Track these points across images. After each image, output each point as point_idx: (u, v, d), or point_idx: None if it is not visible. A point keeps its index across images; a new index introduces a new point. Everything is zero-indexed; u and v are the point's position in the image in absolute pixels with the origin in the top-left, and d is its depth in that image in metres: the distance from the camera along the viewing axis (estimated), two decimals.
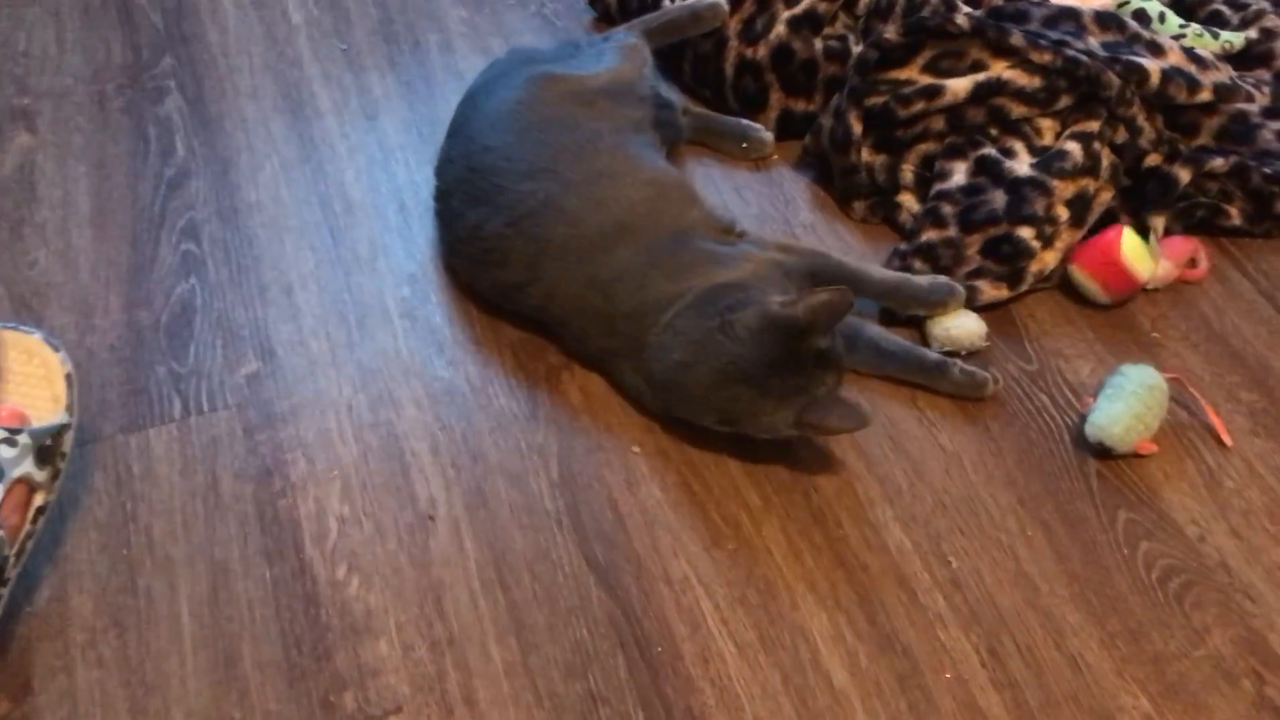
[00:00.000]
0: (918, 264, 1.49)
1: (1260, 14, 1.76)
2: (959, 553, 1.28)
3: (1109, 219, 1.57)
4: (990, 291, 1.49)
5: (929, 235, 1.50)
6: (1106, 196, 1.56)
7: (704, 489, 1.32)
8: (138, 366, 1.41)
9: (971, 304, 1.49)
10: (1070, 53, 1.52)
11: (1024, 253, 1.48)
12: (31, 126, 1.69)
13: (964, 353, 1.43)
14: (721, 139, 1.69)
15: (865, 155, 1.61)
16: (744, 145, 1.68)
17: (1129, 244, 1.47)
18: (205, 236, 1.56)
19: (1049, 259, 1.50)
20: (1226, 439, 1.38)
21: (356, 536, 1.27)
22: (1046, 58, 1.52)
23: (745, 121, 1.69)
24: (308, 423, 1.36)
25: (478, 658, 1.18)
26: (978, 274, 1.49)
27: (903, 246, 1.53)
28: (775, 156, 1.69)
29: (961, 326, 1.43)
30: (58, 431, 1.19)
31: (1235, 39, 1.73)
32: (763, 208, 1.63)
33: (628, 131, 1.48)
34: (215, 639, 1.18)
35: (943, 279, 1.45)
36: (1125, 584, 1.25)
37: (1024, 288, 1.51)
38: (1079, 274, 1.50)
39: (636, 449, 1.35)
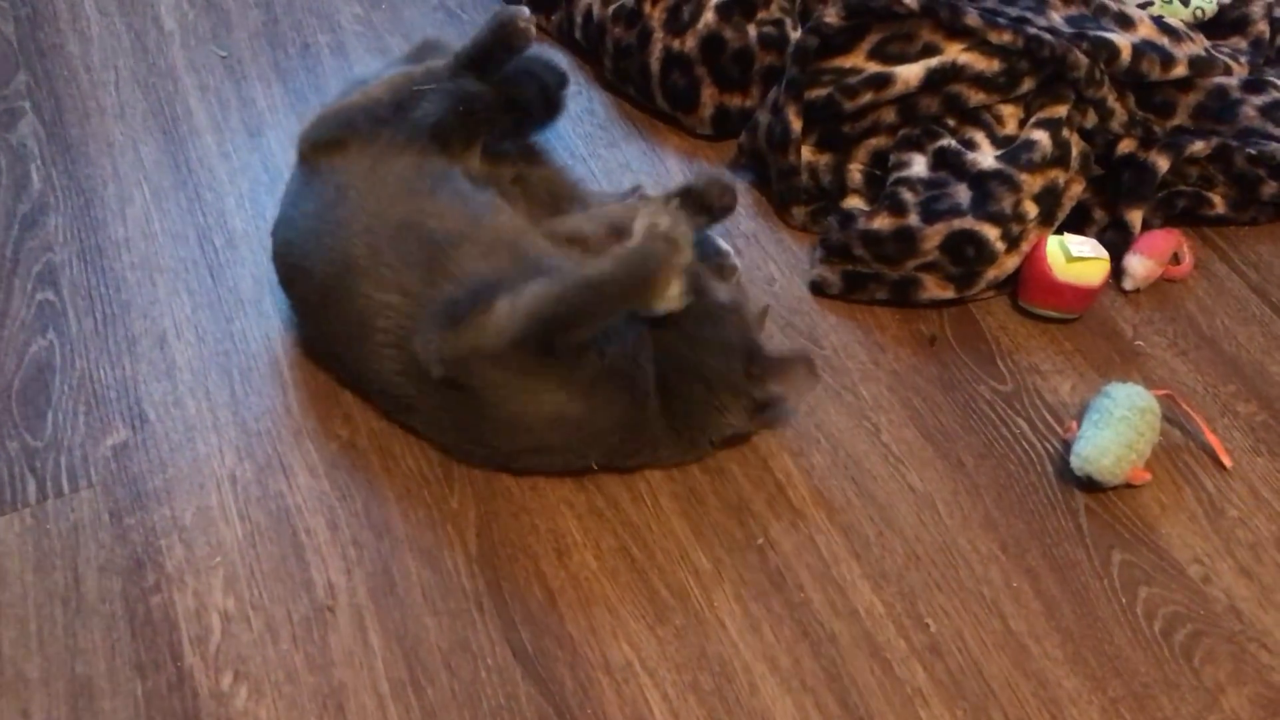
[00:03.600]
0: (857, 251, 1.33)
1: None
2: (937, 613, 1.12)
3: (1081, 213, 1.42)
4: (935, 290, 1.34)
5: (880, 223, 1.32)
6: (1078, 189, 1.41)
7: (645, 553, 1.16)
8: None
9: (912, 300, 1.35)
10: (1032, 31, 1.36)
11: (986, 255, 1.32)
12: None
13: None
14: None
15: (807, 154, 1.44)
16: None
17: (1058, 259, 1.32)
18: (65, 282, 1.36)
19: (1008, 264, 1.35)
20: (1226, 460, 1.23)
21: (244, 636, 1.09)
22: (1006, 38, 1.36)
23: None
24: (185, 500, 1.18)
25: None
26: (927, 268, 1.33)
27: (833, 236, 1.36)
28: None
29: None
30: None
31: (1207, 4, 1.58)
32: None
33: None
34: None
35: None
36: (1125, 639, 1.11)
37: (972, 292, 1.35)
38: (1031, 308, 1.36)
39: (566, 509, 1.19)
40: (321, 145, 1.27)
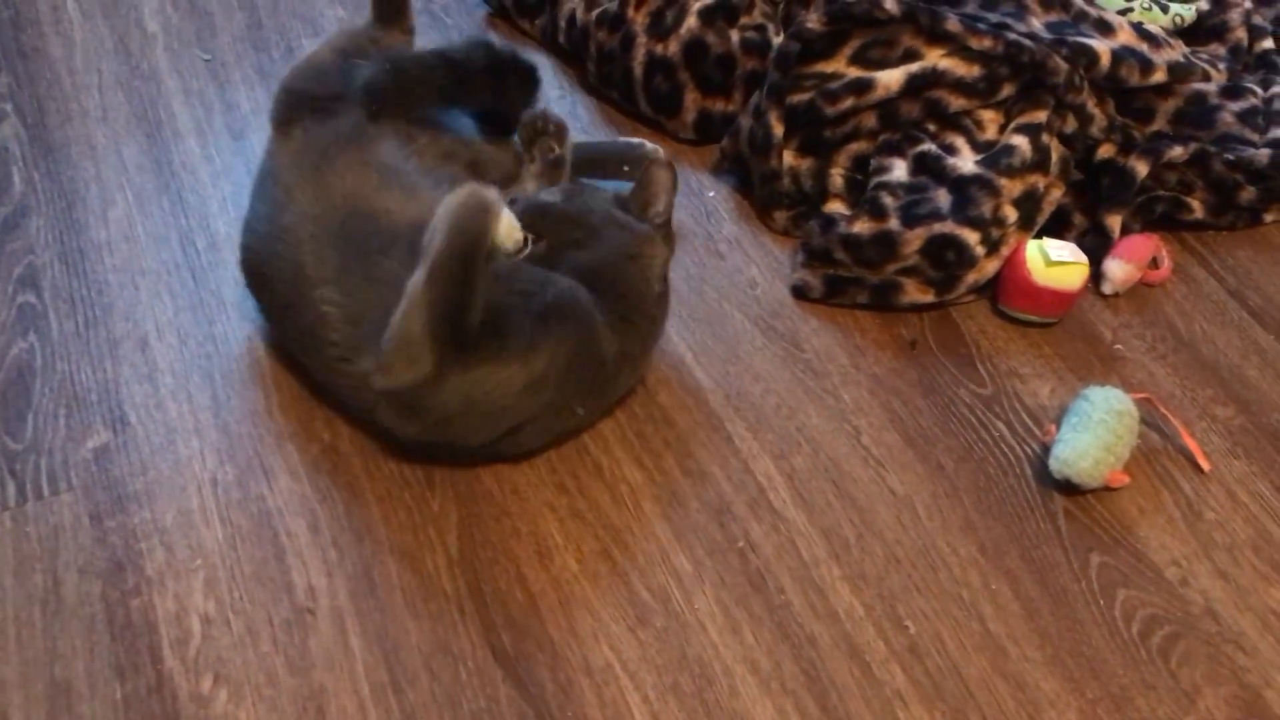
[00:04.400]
0: (838, 255, 1.34)
1: None
2: (916, 615, 1.13)
3: (1060, 217, 1.43)
4: (915, 294, 1.35)
5: (859, 227, 1.33)
6: (1057, 194, 1.42)
7: (626, 556, 1.16)
8: None
9: (892, 304, 1.36)
10: (1012, 37, 1.37)
11: (966, 260, 1.33)
12: None
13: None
14: (604, 166, 1.45)
15: (789, 159, 1.45)
16: (625, 168, 1.45)
17: (1037, 263, 1.33)
18: (46, 285, 1.36)
19: (988, 268, 1.36)
20: (1204, 464, 1.24)
21: (224, 639, 1.09)
22: (986, 43, 1.37)
23: (625, 140, 1.49)
24: (166, 503, 1.18)
25: None
26: (908, 272, 1.34)
27: (814, 240, 1.37)
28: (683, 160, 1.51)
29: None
30: None
31: (1186, 11, 1.59)
32: (680, 220, 1.46)
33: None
34: None
35: None
36: (1103, 641, 1.11)
37: (952, 296, 1.36)
38: (1010, 312, 1.37)
39: (548, 511, 1.19)
40: (279, 123, 1.30)
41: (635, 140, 1.47)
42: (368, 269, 1.16)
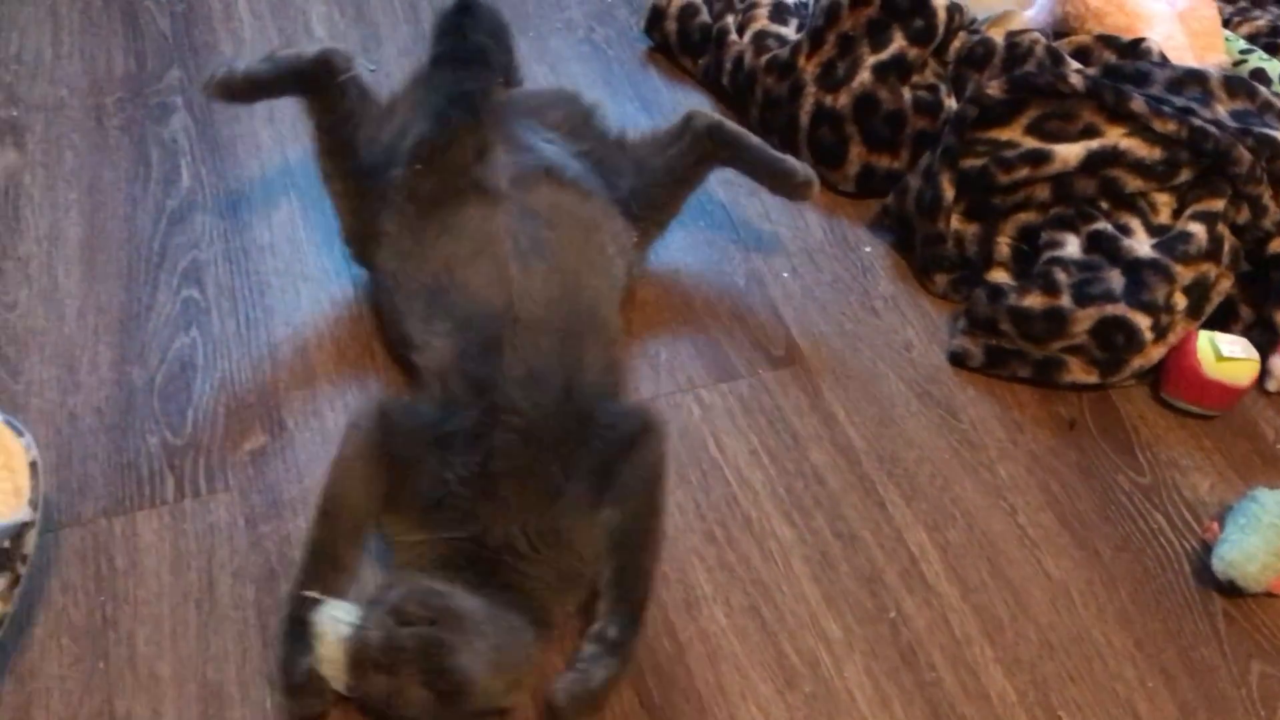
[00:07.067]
0: (1004, 326, 1.32)
1: None
2: (1070, 705, 1.10)
3: (1227, 309, 1.40)
4: (1079, 374, 1.33)
5: (1031, 301, 1.31)
6: (1226, 284, 1.39)
7: (775, 615, 1.14)
8: (126, 435, 1.23)
9: (1054, 381, 1.34)
10: (1198, 123, 1.35)
11: (1135, 344, 1.31)
12: (19, 143, 1.50)
13: None
14: (752, 168, 1.40)
15: (955, 222, 1.43)
16: (769, 181, 1.39)
17: (1208, 356, 1.30)
18: (210, 281, 1.37)
19: (1154, 354, 1.33)
20: None
21: None
22: (1171, 127, 1.35)
23: (782, 156, 1.38)
24: None
25: None
26: (1074, 350, 1.32)
27: (980, 308, 1.35)
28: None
29: None
30: (18, 532, 1.01)
31: None
32: (836, 273, 1.45)
33: None
34: None
35: None
36: None
37: (1116, 379, 1.34)
38: (1174, 402, 1.34)
39: (696, 560, 1.18)
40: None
41: (794, 161, 1.39)
42: None
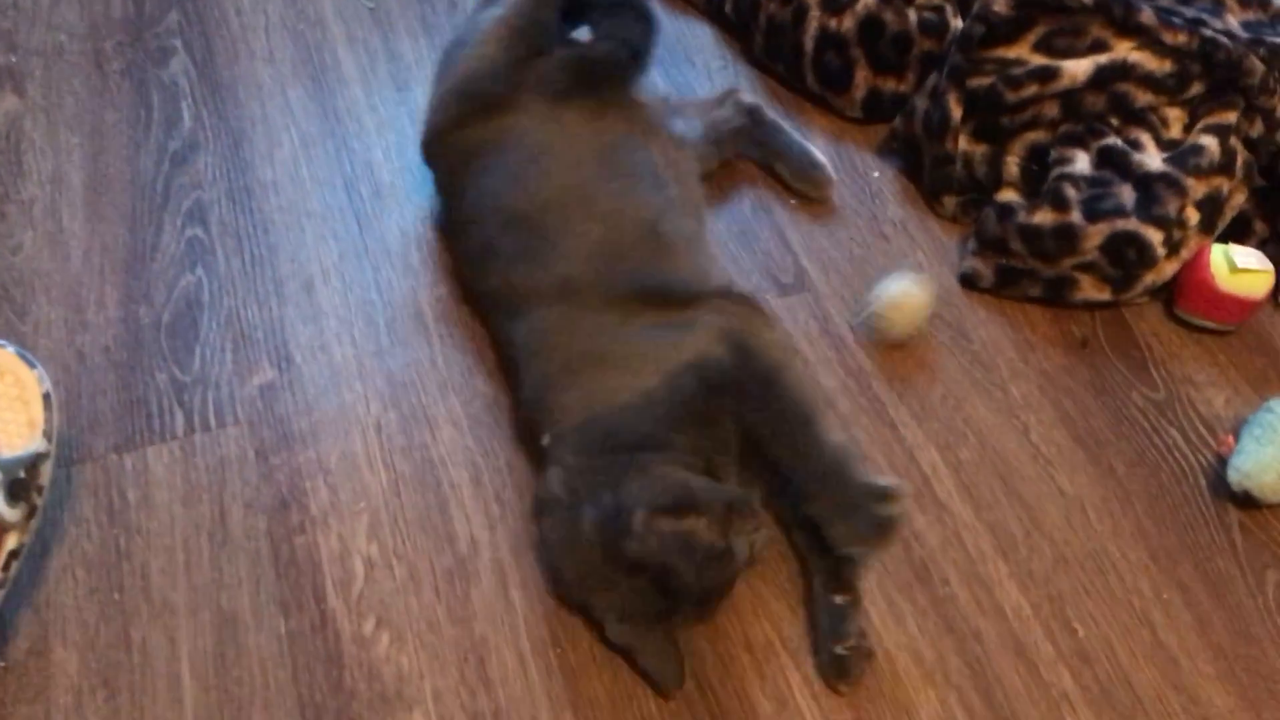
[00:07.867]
0: (1014, 245, 1.31)
1: None
2: (1085, 619, 1.10)
3: (1240, 224, 1.38)
4: (1090, 291, 1.32)
5: (1040, 218, 1.30)
6: (1240, 199, 1.37)
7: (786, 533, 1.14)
8: (135, 372, 1.23)
9: (1065, 299, 1.33)
10: (1208, 34, 1.32)
11: (1147, 259, 1.29)
12: (19, 88, 1.49)
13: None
14: (774, 159, 1.45)
15: (963, 144, 1.41)
16: (789, 173, 1.44)
17: (1221, 269, 1.29)
18: (214, 220, 1.37)
19: (1167, 270, 1.32)
20: None
21: (387, 584, 1.09)
22: (1181, 39, 1.33)
23: (805, 148, 1.43)
24: (330, 444, 1.18)
25: None
26: (1085, 268, 1.30)
27: (990, 228, 1.34)
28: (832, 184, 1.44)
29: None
30: (33, 462, 1.01)
31: None
32: (844, 200, 1.44)
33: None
34: (221, 704, 1.01)
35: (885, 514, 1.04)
36: None
37: (1128, 295, 1.32)
38: (1188, 317, 1.32)
39: None
40: (448, 130, 1.29)
41: (816, 154, 1.43)
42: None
